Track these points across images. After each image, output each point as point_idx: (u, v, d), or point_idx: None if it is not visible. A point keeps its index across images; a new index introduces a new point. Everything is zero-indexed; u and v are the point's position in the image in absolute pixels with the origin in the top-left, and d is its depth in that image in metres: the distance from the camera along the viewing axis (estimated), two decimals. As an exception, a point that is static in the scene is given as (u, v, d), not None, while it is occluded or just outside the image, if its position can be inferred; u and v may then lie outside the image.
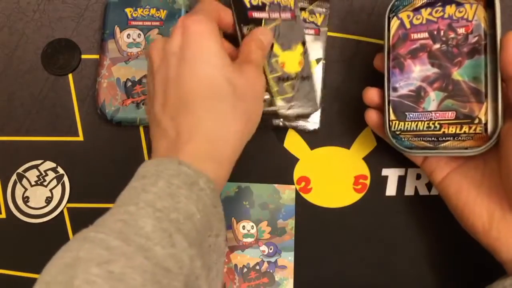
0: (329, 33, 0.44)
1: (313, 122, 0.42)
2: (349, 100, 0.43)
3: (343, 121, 0.43)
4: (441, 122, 0.34)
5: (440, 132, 0.34)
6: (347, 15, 0.44)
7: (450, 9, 0.35)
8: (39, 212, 0.43)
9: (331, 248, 0.42)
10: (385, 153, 0.42)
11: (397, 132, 0.36)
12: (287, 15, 0.42)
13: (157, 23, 0.44)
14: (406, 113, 0.36)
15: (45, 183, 0.44)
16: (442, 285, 0.41)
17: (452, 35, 0.35)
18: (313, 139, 0.43)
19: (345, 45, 0.44)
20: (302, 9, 0.43)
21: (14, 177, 0.44)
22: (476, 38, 0.34)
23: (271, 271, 0.42)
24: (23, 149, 0.44)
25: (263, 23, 0.42)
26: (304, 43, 0.41)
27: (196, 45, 0.33)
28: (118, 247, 0.26)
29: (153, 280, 0.25)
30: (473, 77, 0.34)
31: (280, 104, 0.40)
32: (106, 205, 0.43)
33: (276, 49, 0.41)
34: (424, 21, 0.35)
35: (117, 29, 0.44)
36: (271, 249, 0.42)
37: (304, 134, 0.43)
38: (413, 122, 0.35)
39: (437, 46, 0.35)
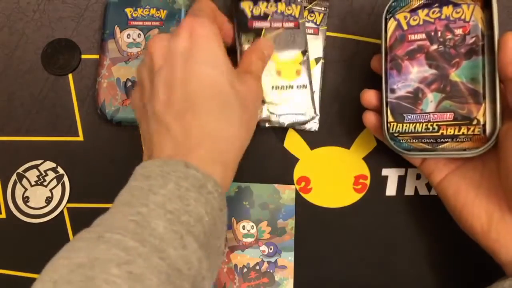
0: (329, 33, 0.44)
1: (313, 122, 0.42)
2: (349, 100, 0.43)
3: (343, 121, 0.43)
4: (439, 123, 0.34)
5: (439, 134, 0.34)
6: (347, 15, 0.44)
7: (447, 10, 0.35)
8: (39, 212, 0.43)
9: (331, 248, 0.42)
10: (385, 153, 0.42)
11: (395, 134, 0.36)
12: (290, 24, 0.42)
13: (157, 23, 0.44)
14: (404, 115, 0.35)
15: (45, 183, 0.44)
16: (442, 285, 0.41)
17: (449, 36, 0.34)
18: (313, 139, 0.43)
19: (345, 45, 0.44)
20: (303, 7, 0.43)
21: (14, 177, 0.44)
22: (474, 39, 0.34)
23: (271, 271, 0.42)
24: (23, 149, 0.44)
25: (263, 33, 0.42)
26: (305, 52, 0.41)
27: (204, 48, 0.33)
28: (134, 248, 0.26)
29: (167, 280, 0.26)
30: (471, 78, 0.34)
31: (271, 112, 0.40)
32: (106, 205, 0.43)
33: (274, 57, 0.41)
34: (421, 22, 0.35)
35: (117, 29, 0.44)
36: (271, 249, 0.42)
37: (304, 134, 0.43)
38: (411, 124, 0.35)
39: (434, 47, 0.35)
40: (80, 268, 0.25)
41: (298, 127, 0.42)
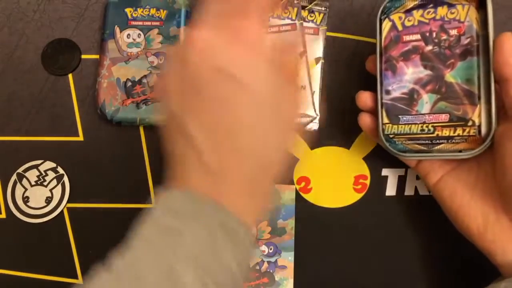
0: (329, 33, 0.44)
1: (313, 122, 0.42)
2: (349, 100, 0.43)
3: (343, 121, 0.43)
4: (435, 124, 0.34)
5: (434, 135, 0.34)
6: (347, 15, 0.44)
7: (442, 11, 0.35)
8: (39, 212, 0.43)
9: (331, 248, 0.42)
10: (385, 153, 0.42)
11: (391, 136, 0.36)
12: (287, 27, 0.42)
13: (157, 23, 0.44)
14: (399, 116, 0.35)
15: (45, 183, 0.44)
16: (442, 285, 0.41)
17: (444, 36, 0.34)
18: (313, 139, 0.43)
19: (345, 45, 0.44)
20: (302, 7, 0.43)
21: (14, 177, 0.44)
22: (469, 40, 0.34)
23: (271, 271, 0.42)
24: (23, 149, 0.44)
25: None
26: (303, 53, 0.41)
27: (260, 73, 0.28)
28: None
29: None
30: (466, 79, 0.33)
31: None
32: (106, 205, 0.43)
33: None
34: (416, 23, 0.35)
35: (117, 29, 0.44)
36: (271, 249, 0.42)
37: (304, 134, 0.43)
38: (406, 125, 0.35)
39: (429, 48, 0.35)
40: None
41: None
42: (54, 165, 0.44)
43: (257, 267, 0.42)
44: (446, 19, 0.34)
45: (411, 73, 0.35)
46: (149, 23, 0.44)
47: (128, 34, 0.44)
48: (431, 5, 0.35)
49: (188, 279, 0.25)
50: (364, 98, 0.37)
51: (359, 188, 0.42)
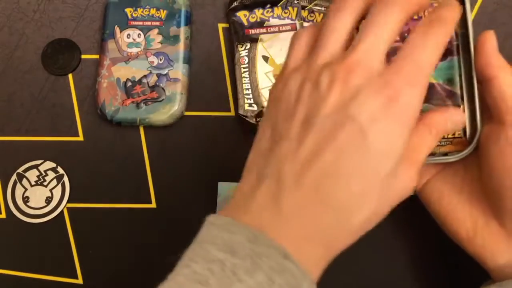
0: (329, 33, 0.44)
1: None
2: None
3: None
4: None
5: None
6: (347, 15, 0.44)
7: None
8: (39, 212, 0.43)
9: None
10: (385, 153, 0.42)
11: None
12: (287, 27, 0.42)
13: (157, 23, 0.44)
14: None
15: (45, 183, 0.44)
16: (442, 285, 0.41)
17: None
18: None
19: (345, 45, 0.44)
20: (302, 7, 0.43)
21: (14, 177, 0.44)
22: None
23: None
24: (23, 149, 0.44)
25: (259, 40, 0.42)
26: None
27: (392, 131, 0.25)
28: None
29: None
30: (447, 79, 0.32)
31: None
32: (106, 205, 0.43)
33: (271, 61, 0.41)
34: None
35: (117, 29, 0.44)
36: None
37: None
38: None
39: None
40: None
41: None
42: (54, 165, 0.44)
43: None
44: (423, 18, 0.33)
45: None
46: (149, 23, 0.44)
47: (128, 34, 0.44)
48: None
49: None
50: None
51: (359, 188, 0.42)
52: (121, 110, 0.43)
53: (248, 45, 0.43)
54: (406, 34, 0.32)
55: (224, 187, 0.42)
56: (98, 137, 0.44)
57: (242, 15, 0.43)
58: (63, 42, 0.46)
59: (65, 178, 0.44)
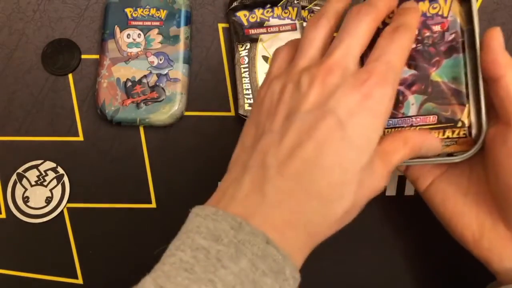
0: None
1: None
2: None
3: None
4: (423, 127, 0.32)
5: None
6: (347, 15, 0.44)
7: (423, 6, 0.32)
8: (39, 212, 0.43)
9: (330, 248, 0.42)
10: (385, 153, 0.42)
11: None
12: (287, 27, 0.42)
13: (157, 23, 0.44)
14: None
15: (45, 183, 0.44)
16: (442, 285, 0.41)
17: (427, 33, 0.32)
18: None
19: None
20: (302, 7, 0.43)
21: (14, 177, 0.44)
22: (453, 36, 0.31)
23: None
24: (23, 149, 0.44)
25: (259, 40, 0.42)
26: None
27: (365, 125, 0.27)
28: None
29: None
30: (452, 77, 0.31)
31: None
32: (106, 205, 0.43)
33: (270, 61, 0.41)
34: None
35: (117, 29, 0.44)
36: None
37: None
38: (393, 129, 0.32)
39: (413, 46, 0.32)
40: None
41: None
42: (54, 165, 0.44)
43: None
44: (428, 14, 0.32)
45: None
46: (149, 23, 0.44)
47: (128, 34, 0.44)
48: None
49: None
50: None
51: (359, 188, 0.42)
52: (121, 110, 0.43)
53: (248, 45, 0.43)
54: None
55: (224, 187, 0.42)
56: (98, 137, 0.44)
57: (242, 15, 0.43)
58: (63, 42, 0.46)
59: (65, 178, 0.44)
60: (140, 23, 0.44)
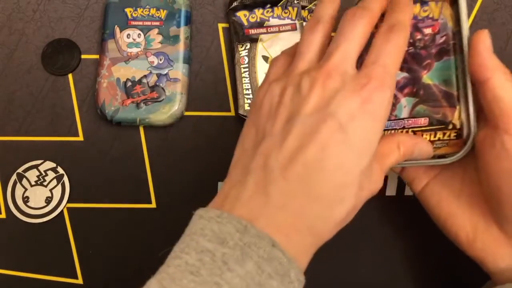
0: (329, 33, 0.44)
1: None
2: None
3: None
4: (415, 129, 0.32)
5: None
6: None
7: (414, 9, 0.32)
8: (39, 212, 0.43)
9: (330, 248, 0.42)
10: (385, 153, 0.42)
11: None
12: (287, 27, 0.42)
13: (157, 23, 0.44)
14: None
15: (45, 183, 0.44)
16: (442, 285, 0.41)
17: (419, 36, 0.32)
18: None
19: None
20: (302, 7, 0.43)
21: (14, 177, 0.44)
22: (444, 38, 0.31)
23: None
24: (23, 149, 0.44)
25: (259, 40, 0.42)
26: None
27: (365, 129, 0.27)
28: None
29: None
30: (443, 79, 0.31)
31: None
32: (106, 205, 0.43)
33: (268, 67, 0.41)
34: None
35: (117, 29, 0.44)
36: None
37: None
38: (386, 132, 0.33)
39: None
40: None
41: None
42: (54, 165, 0.44)
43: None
44: (419, 17, 0.32)
45: None
46: (149, 23, 0.44)
47: (128, 34, 0.44)
48: None
49: None
50: None
51: (359, 188, 0.42)
52: (121, 110, 0.43)
53: (248, 45, 0.43)
54: None
55: (224, 187, 0.42)
56: (98, 137, 0.44)
57: (242, 15, 0.43)
58: (63, 42, 0.46)
59: (65, 178, 0.44)
60: (140, 23, 0.44)
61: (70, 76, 0.45)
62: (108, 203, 0.43)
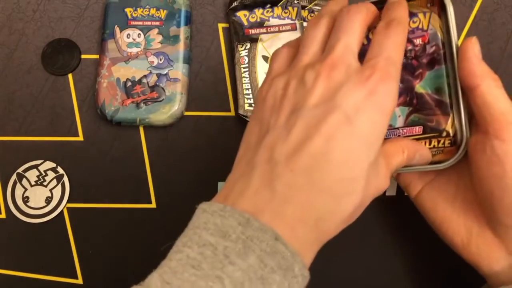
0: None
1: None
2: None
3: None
4: (410, 138, 0.33)
5: None
6: (347, 15, 0.44)
7: None
8: (39, 212, 0.43)
9: (330, 248, 0.42)
10: (385, 153, 0.42)
11: None
12: (287, 27, 0.42)
13: (157, 23, 0.44)
14: None
15: (45, 183, 0.44)
16: (442, 285, 0.41)
17: (410, 47, 0.33)
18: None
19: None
20: (302, 7, 0.43)
21: (14, 177, 0.44)
22: (434, 48, 0.32)
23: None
24: (23, 149, 0.44)
25: (259, 39, 0.42)
26: None
27: (373, 122, 0.27)
28: None
29: None
30: (435, 88, 0.32)
31: None
32: (106, 205, 0.43)
33: (269, 61, 0.41)
34: None
35: (117, 29, 0.44)
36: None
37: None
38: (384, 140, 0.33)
39: None
40: None
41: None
42: (54, 165, 0.44)
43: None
44: (409, 29, 0.33)
45: None
46: (149, 23, 0.44)
47: (128, 34, 0.44)
48: None
49: None
50: None
51: (359, 188, 0.42)
52: (121, 110, 0.43)
53: (248, 45, 0.43)
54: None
55: (224, 187, 0.42)
56: (98, 137, 0.44)
57: (242, 15, 0.43)
58: (63, 42, 0.46)
59: (65, 178, 0.44)
60: (140, 23, 0.44)
61: (70, 76, 0.45)
62: (108, 203, 0.43)
